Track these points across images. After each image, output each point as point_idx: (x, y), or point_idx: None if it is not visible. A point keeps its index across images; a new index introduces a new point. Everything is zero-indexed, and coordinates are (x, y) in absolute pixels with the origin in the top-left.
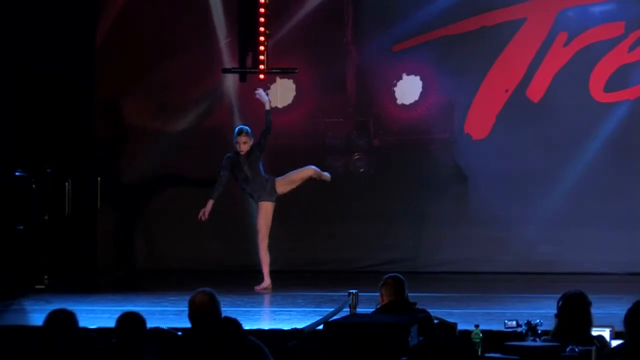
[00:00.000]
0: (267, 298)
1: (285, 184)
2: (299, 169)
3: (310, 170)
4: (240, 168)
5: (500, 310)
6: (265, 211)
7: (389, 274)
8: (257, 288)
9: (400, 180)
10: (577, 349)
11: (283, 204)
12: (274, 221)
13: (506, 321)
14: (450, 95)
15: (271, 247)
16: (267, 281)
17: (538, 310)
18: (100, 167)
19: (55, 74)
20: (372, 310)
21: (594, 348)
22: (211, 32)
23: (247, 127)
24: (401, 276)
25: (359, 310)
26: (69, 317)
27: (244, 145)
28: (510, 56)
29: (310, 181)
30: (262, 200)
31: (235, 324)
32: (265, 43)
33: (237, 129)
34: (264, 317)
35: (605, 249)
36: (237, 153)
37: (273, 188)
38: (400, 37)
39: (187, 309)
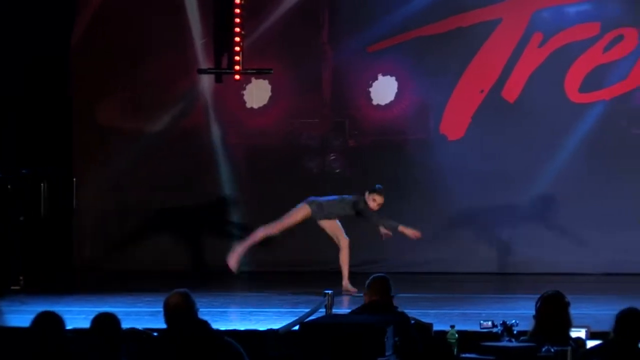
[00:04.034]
0: (243, 299)
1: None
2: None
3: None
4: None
5: (476, 311)
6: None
7: (375, 274)
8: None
9: (375, 181)
10: (552, 349)
11: (260, 204)
12: (250, 222)
13: (482, 322)
14: (425, 95)
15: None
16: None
17: (514, 311)
18: (76, 168)
19: (30, 74)
20: (347, 310)
21: (569, 348)
22: (187, 32)
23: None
24: (386, 277)
25: (335, 310)
26: (56, 320)
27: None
28: (485, 57)
29: (286, 181)
30: None
31: (205, 324)
32: (241, 44)
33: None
34: (240, 317)
35: (581, 249)
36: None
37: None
38: (375, 38)
39: (162, 309)
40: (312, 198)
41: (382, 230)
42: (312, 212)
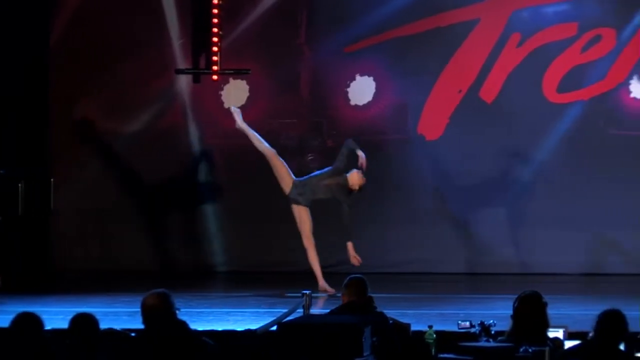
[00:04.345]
0: (220, 299)
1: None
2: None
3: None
4: None
5: (454, 311)
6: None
7: (352, 275)
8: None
9: None
10: (530, 350)
11: (237, 204)
12: (228, 223)
13: (460, 322)
14: (403, 96)
15: (223, 249)
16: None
17: (492, 311)
18: (54, 168)
19: (7, 74)
20: (326, 311)
21: (547, 348)
22: (164, 33)
23: None
24: (363, 277)
25: (312, 311)
26: (35, 320)
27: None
28: (463, 57)
29: (264, 182)
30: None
31: (182, 325)
32: (219, 44)
33: None
34: (217, 318)
35: (558, 249)
36: None
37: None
38: (353, 38)
39: (140, 310)
40: (296, 180)
41: (351, 252)
42: (291, 194)
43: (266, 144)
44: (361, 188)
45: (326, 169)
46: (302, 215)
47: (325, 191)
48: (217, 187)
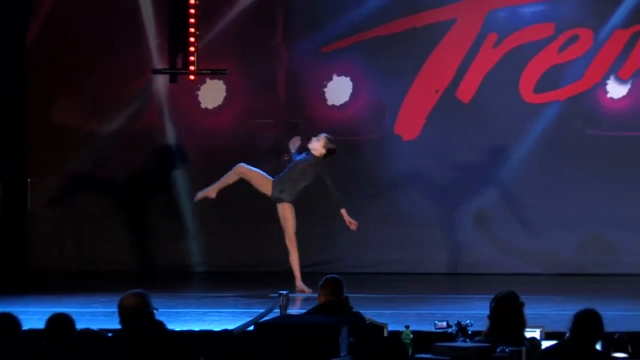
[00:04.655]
0: (198, 299)
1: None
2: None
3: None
4: None
5: (431, 311)
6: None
7: (328, 275)
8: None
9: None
10: (507, 350)
11: (212, 205)
12: (205, 223)
13: (436, 322)
14: (380, 96)
15: (201, 249)
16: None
17: (468, 311)
18: (31, 169)
19: None
20: (303, 311)
21: (524, 348)
22: (141, 32)
23: None
24: (339, 278)
25: (289, 311)
26: (12, 321)
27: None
28: (440, 57)
29: (241, 184)
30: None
31: (160, 325)
32: (196, 44)
33: None
34: (195, 318)
35: (535, 249)
36: None
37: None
38: (330, 38)
39: (117, 310)
40: (274, 179)
41: (346, 217)
42: (274, 194)
43: (230, 172)
44: (330, 149)
45: (296, 159)
46: (286, 212)
47: (303, 176)
48: (194, 187)
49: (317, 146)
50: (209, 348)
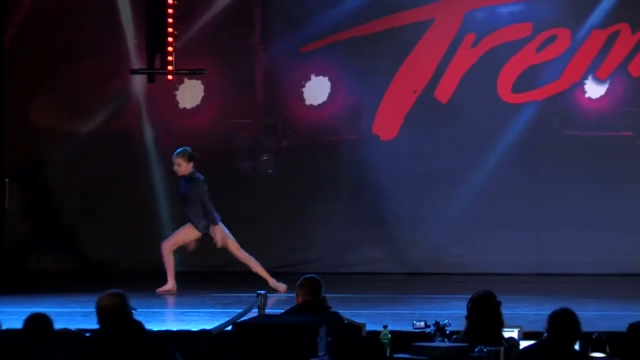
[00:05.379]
0: (175, 299)
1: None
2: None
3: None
4: None
5: (409, 311)
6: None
7: (306, 275)
8: (159, 290)
9: (308, 182)
10: (485, 350)
11: None
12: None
13: (414, 322)
14: (358, 96)
15: (179, 249)
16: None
17: (446, 311)
18: (8, 169)
19: None
20: (281, 310)
21: (502, 348)
22: (119, 32)
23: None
24: (317, 277)
25: (267, 311)
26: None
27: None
28: (418, 57)
29: (219, 183)
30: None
31: (138, 325)
32: (174, 44)
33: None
34: (173, 318)
35: (513, 249)
36: None
37: None
38: (308, 38)
39: (95, 310)
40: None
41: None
42: (200, 230)
43: (165, 258)
44: (174, 163)
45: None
46: (222, 234)
47: (189, 203)
48: (171, 187)
49: (184, 168)
50: (187, 348)
